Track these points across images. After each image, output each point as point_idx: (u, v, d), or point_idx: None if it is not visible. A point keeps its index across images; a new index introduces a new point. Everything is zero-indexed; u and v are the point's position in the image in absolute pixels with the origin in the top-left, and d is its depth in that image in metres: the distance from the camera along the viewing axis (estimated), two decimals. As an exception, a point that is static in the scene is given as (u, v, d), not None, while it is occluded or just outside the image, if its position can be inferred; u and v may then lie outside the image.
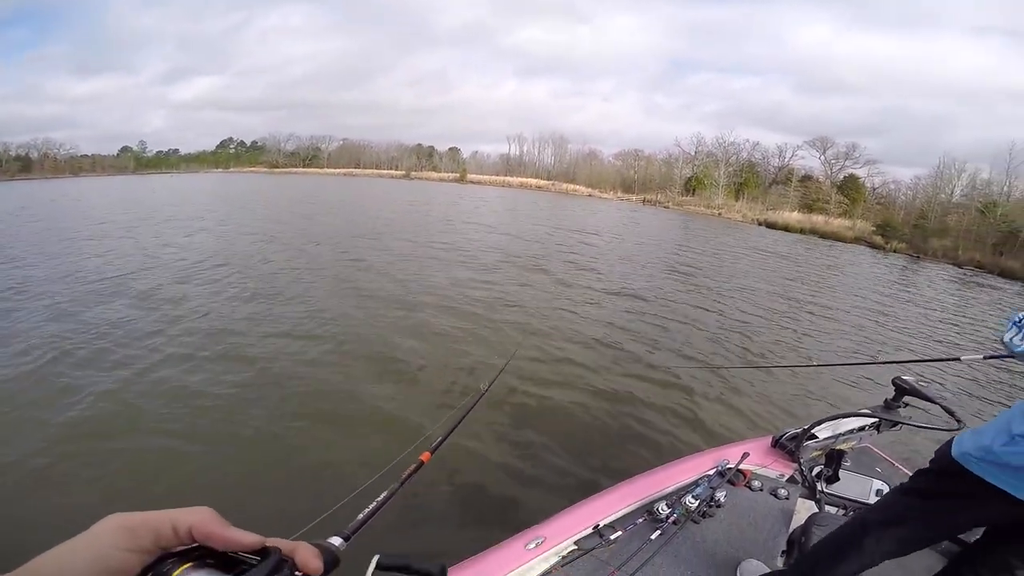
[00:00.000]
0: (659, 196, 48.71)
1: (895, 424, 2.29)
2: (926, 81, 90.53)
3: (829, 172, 47.51)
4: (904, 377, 2.19)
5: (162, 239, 11.94)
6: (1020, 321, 1.13)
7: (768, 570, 1.72)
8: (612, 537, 1.78)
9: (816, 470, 2.33)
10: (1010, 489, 1.06)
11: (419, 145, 76.10)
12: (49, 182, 47.61)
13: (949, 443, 1.22)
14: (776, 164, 51.29)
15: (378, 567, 0.40)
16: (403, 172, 68.39)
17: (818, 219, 36.33)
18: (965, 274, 22.22)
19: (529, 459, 3.53)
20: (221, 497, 2.91)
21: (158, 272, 8.38)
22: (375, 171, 69.96)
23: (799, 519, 2.03)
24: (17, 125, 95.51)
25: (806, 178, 47.37)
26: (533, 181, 59.19)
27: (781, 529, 1.99)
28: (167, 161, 76.34)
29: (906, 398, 2.20)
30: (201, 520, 0.34)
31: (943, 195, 37.58)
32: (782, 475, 2.36)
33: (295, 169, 71.62)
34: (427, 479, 3.01)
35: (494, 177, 62.96)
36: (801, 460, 2.31)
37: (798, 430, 2.40)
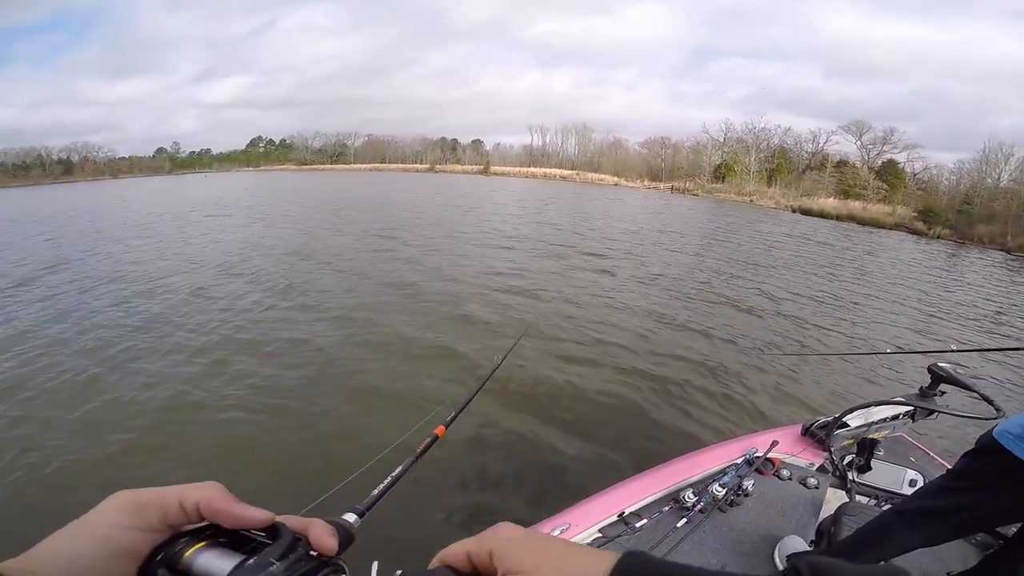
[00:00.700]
0: (688, 183, 47.77)
1: (931, 412, 2.22)
2: (963, 65, 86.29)
3: (866, 157, 45.70)
4: (941, 364, 2.12)
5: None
6: None
7: (808, 548, 1.71)
8: (637, 525, 1.78)
9: (847, 459, 2.29)
10: None
11: (442, 138, 76.53)
12: (94, 184, 49.78)
13: (994, 427, 1.21)
14: (810, 149, 49.66)
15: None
16: (428, 166, 68.89)
17: (855, 205, 35.10)
18: (1016, 260, 21.20)
19: (554, 444, 3.54)
20: (236, 467, 3.07)
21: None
22: (400, 166, 70.73)
23: (829, 509, 2.01)
24: (57, 130, 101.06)
25: (842, 163, 45.67)
26: (557, 171, 58.82)
27: (810, 519, 1.96)
28: (200, 161, 78.86)
29: (942, 386, 2.13)
30: (209, 496, 0.33)
31: (989, 180, 35.75)
32: (812, 464, 2.31)
33: (323, 166, 73.02)
34: (451, 464, 3.05)
35: (518, 168, 62.84)
36: (832, 449, 2.27)
37: (829, 418, 2.35)
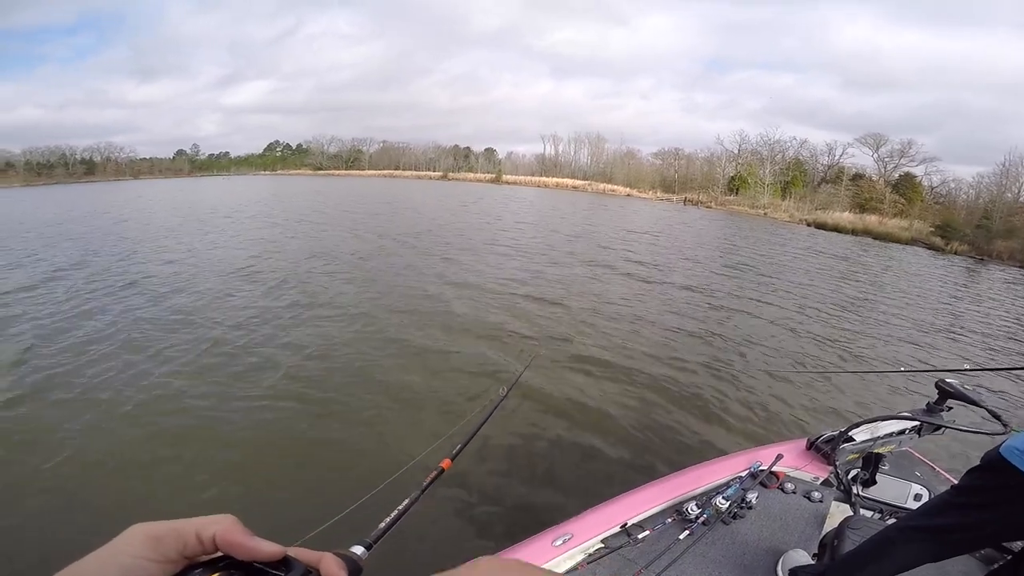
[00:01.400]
0: (701, 195, 47.54)
1: (937, 428, 2.19)
2: (981, 76, 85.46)
3: (883, 170, 45.17)
4: (948, 380, 2.10)
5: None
6: None
7: (811, 562, 1.70)
8: (640, 536, 1.77)
9: (852, 473, 2.28)
10: None
11: (456, 146, 77.17)
12: (115, 184, 50.91)
13: (1001, 444, 1.21)
14: (825, 162, 49.23)
15: None
16: (441, 173, 69.45)
17: (871, 219, 34.61)
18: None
19: (557, 457, 3.55)
20: (248, 495, 3.06)
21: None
22: (414, 172, 71.39)
23: (832, 522, 1.99)
24: (81, 130, 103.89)
25: (858, 176, 45.18)
26: (569, 181, 58.87)
27: (813, 532, 1.94)
28: (218, 164, 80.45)
29: (950, 402, 2.11)
30: (225, 529, 0.34)
31: (1009, 194, 35.15)
32: (817, 478, 2.29)
33: (338, 171, 74.00)
34: (452, 480, 3.03)
35: (530, 178, 63.03)
36: (837, 463, 2.25)
37: (835, 433, 2.34)
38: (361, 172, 73.03)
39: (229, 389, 4.35)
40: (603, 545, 1.74)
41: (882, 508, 2.19)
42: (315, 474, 3.25)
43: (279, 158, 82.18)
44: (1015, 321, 10.41)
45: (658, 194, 50.92)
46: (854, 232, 31.35)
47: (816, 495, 2.13)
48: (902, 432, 2.34)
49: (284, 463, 3.36)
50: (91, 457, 3.37)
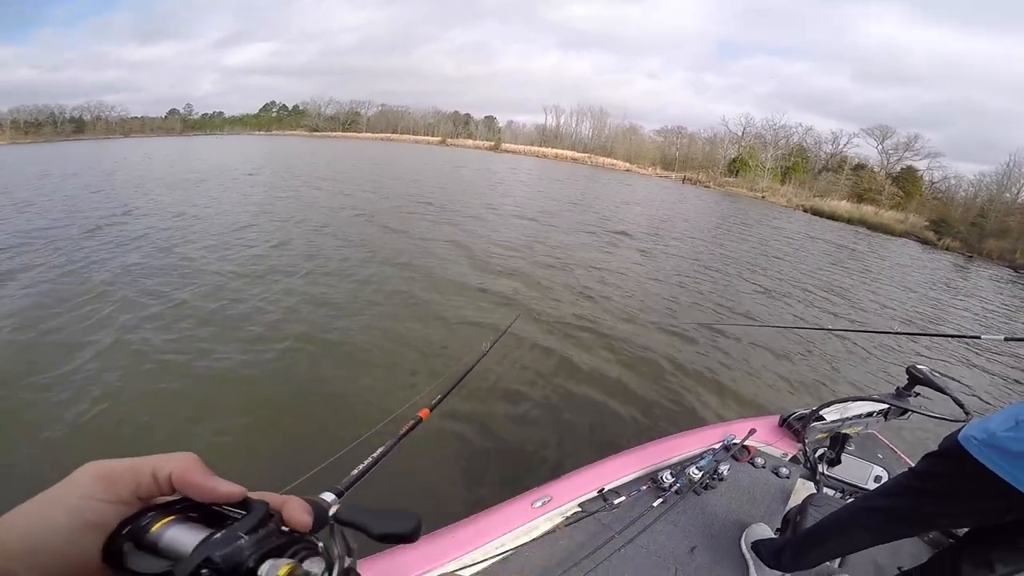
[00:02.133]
0: (700, 175, 47.21)
1: (904, 412, 2.26)
2: (997, 77, 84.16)
3: (886, 162, 44.90)
4: (919, 366, 2.14)
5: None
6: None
7: (774, 536, 1.78)
8: (616, 502, 1.82)
9: (819, 452, 2.37)
10: (1006, 476, 1.06)
11: (456, 112, 75.62)
12: (104, 142, 49.47)
13: (958, 431, 1.22)
14: (828, 150, 48.81)
15: (335, 519, 0.36)
16: (439, 139, 68.25)
17: (868, 209, 34.68)
18: (1019, 277, 21.02)
19: (537, 421, 3.58)
20: (225, 444, 3.04)
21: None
22: (411, 137, 70.08)
23: (797, 498, 2.07)
24: (74, 89, 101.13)
25: (860, 167, 44.93)
26: (569, 153, 58.10)
27: (779, 507, 2.02)
28: (212, 123, 78.43)
29: (918, 388, 2.16)
30: (182, 467, 0.32)
31: (1008, 195, 35.19)
32: (786, 454, 2.38)
33: (334, 133, 72.47)
34: (434, 439, 3.07)
35: (529, 147, 62.14)
36: (806, 441, 2.32)
37: (806, 411, 2.40)
38: (358, 135, 71.57)
39: (216, 339, 4.36)
40: (580, 509, 1.79)
41: (844, 487, 2.27)
42: (295, 426, 3.25)
43: (275, 119, 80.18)
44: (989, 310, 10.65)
45: (658, 171, 50.46)
46: (849, 221, 31.42)
47: (784, 471, 2.21)
48: (870, 415, 2.40)
49: (263, 413, 3.35)
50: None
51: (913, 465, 1.40)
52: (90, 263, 6.39)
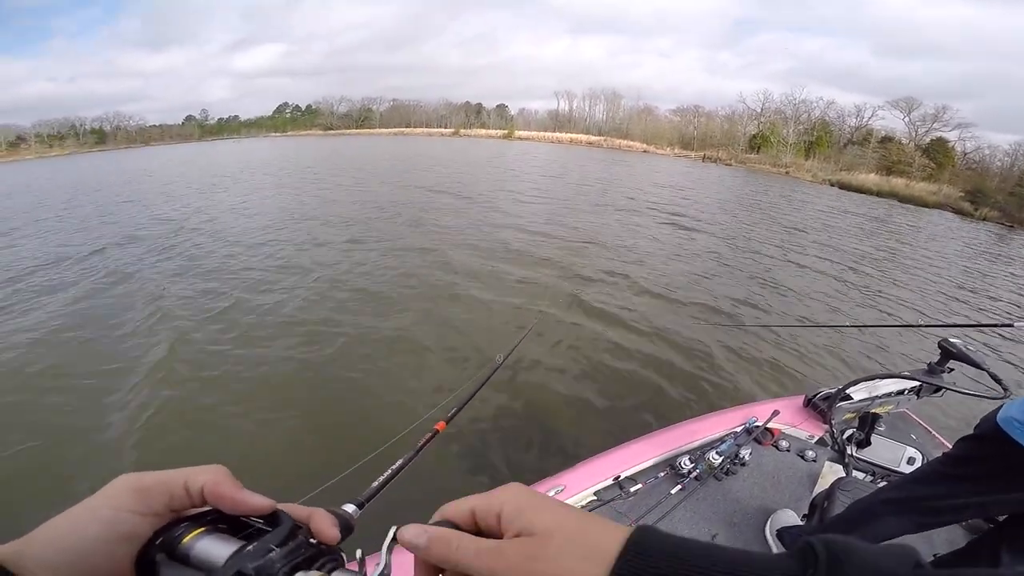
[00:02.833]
0: (721, 153, 46.18)
1: (938, 390, 2.13)
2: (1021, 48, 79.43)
3: (914, 134, 43.06)
4: (951, 339, 2.01)
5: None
6: None
7: (800, 522, 1.69)
8: (632, 489, 1.76)
9: (847, 433, 2.25)
10: None
11: (467, 103, 75.27)
12: (127, 152, 50.63)
13: (996, 410, 1.12)
14: (853, 124, 47.05)
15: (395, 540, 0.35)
16: (452, 130, 68.30)
17: (898, 182, 33.44)
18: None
19: (550, 408, 3.47)
20: (244, 454, 3.00)
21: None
22: (425, 130, 70.26)
23: (824, 483, 1.97)
24: (91, 100, 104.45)
25: (887, 139, 43.27)
26: (584, 137, 57.65)
27: (805, 492, 1.93)
28: (228, 127, 80.00)
29: (951, 363, 2.03)
30: (213, 480, 0.33)
31: (1047, 164, 33.48)
32: (812, 436, 2.27)
33: (348, 131, 73.10)
34: (452, 435, 2.97)
35: (543, 133, 61.72)
36: (833, 421, 2.22)
37: (833, 390, 2.29)
38: (371, 131, 71.90)
39: (238, 344, 4.33)
40: (595, 497, 1.74)
41: (875, 470, 2.14)
42: (313, 435, 3.18)
43: (289, 120, 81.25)
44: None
45: (676, 151, 49.52)
46: (879, 194, 30.43)
47: (810, 454, 2.13)
48: (901, 392, 2.30)
49: (282, 423, 3.29)
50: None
51: (949, 446, 1.29)
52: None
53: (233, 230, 8.86)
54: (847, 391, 2.24)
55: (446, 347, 4.33)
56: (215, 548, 0.31)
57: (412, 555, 0.32)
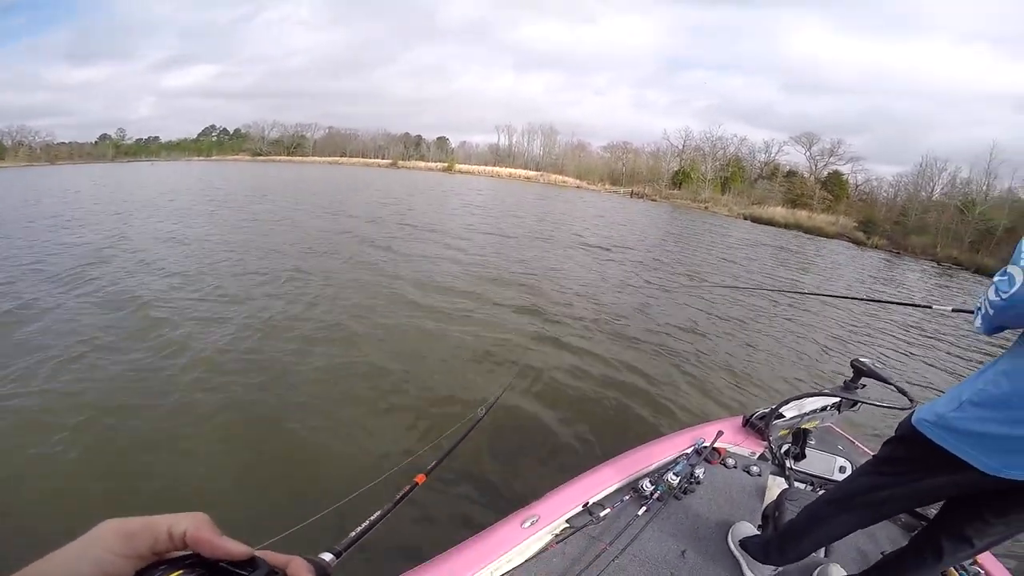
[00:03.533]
0: (647, 189, 48.89)
1: (854, 404, 2.37)
2: (912, 83, 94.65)
3: (814, 168, 48.03)
4: (862, 359, 2.27)
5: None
6: (979, 308, 1.19)
7: (757, 532, 1.82)
8: (601, 514, 1.82)
9: (784, 448, 2.46)
10: (958, 452, 1.14)
11: (406, 134, 75.48)
12: (25, 171, 45.76)
13: (911, 415, 1.30)
14: (762, 159, 51.75)
15: None
16: (390, 161, 67.77)
17: (802, 214, 36.85)
18: (943, 270, 22.77)
19: (514, 442, 3.49)
20: (212, 498, 2.85)
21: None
22: (361, 160, 69.25)
23: (771, 495, 2.13)
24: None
25: (791, 173, 47.87)
26: (522, 172, 59.04)
27: (756, 504, 2.08)
28: (147, 149, 74.89)
29: (863, 379, 2.27)
30: (195, 525, 0.35)
31: (924, 193, 38.34)
32: (753, 453, 2.46)
33: (279, 157, 70.55)
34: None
35: (483, 167, 62.69)
36: (771, 438, 2.41)
37: (767, 410, 2.50)
38: (304, 158, 70.01)
39: (204, 383, 4.03)
40: (568, 525, 1.79)
41: (813, 480, 2.33)
42: (285, 479, 3.03)
43: (215, 143, 77.41)
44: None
45: (606, 186, 51.91)
46: (786, 226, 33.25)
47: (755, 469, 2.30)
48: (824, 408, 2.50)
49: (252, 465, 3.12)
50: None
51: (870, 452, 1.50)
52: None
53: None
54: (779, 410, 2.43)
55: (399, 388, 4.22)
56: None
57: None
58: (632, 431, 3.72)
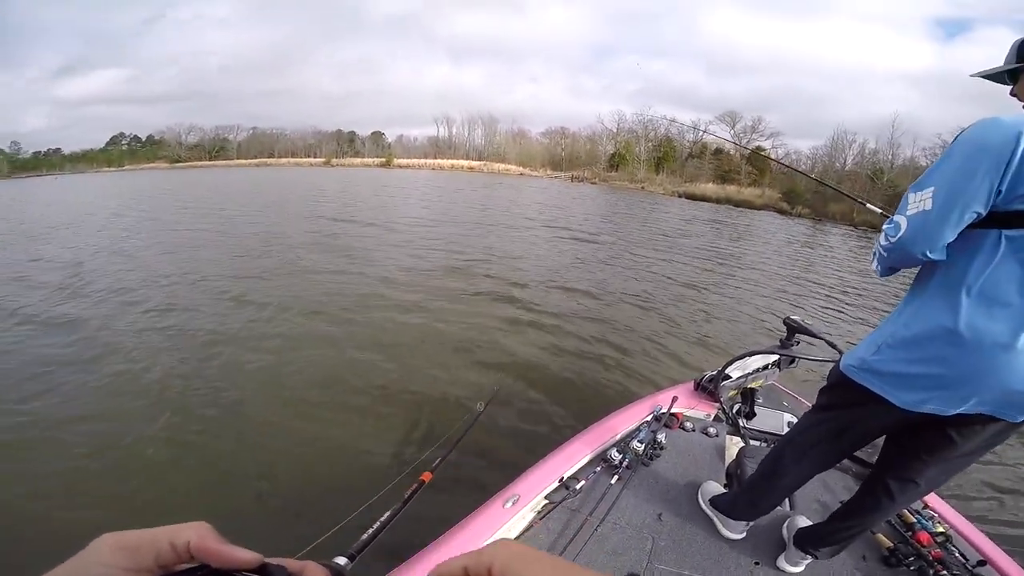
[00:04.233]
0: (586, 172, 49.83)
1: (792, 360, 2.53)
2: (816, 62, 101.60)
3: (738, 144, 50.67)
4: (792, 317, 2.42)
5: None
6: (875, 252, 1.29)
7: (724, 490, 1.90)
8: (577, 487, 1.85)
9: (735, 408, 2.59)
10: (883, 393, 1.24)
11: (339, 131, 72.69)
12: None
13: (838, 363, 1.40)
14: (691, 139, 53.92)
15: None
16: (323, 159, 65.20)
17: (731, 189, 38.89)
18: (861, 232, 24.86)
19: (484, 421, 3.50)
20: (218, 510, 2.71)
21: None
22: (292, 160, 66.14)
23: (731, 454, 2.25)
24: None
25: (718, 151, 50.16)
26: (465, 163, 58.55)
27: (719, 464, 2.18)
28: (48, 162, 67.71)
29: (796, 336, 2.41)
30: (198, 535, 0.34)
31: (838, 164, 41.52)
32: (708, 415, 2.56)
33: (200, 163, 65.99)
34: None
35: (423, 160, 61.56)
36: (722, 400, 2.53)
37: (714, 372, 2.61)
38: (228, 162, 65.91)
39: (211, 402, 3.76)
40: (548, 501, 1.81)
41: (765, 437, 2.45)
42: (295, 490, 2.88)
43: (126, 152, 71.17)
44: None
45: (548, 172, 52.45)
46: (718, 201, 35.00)
47: (712, 431, 2.40)
48: (766, 367, 2.65)
49: (260, 479, 2.96)
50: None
51: (810, 405, 1.57)
52: None
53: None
54: (725, 371, 2.54)
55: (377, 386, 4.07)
56: None
57: None
58: (598, 401, 3.82)
